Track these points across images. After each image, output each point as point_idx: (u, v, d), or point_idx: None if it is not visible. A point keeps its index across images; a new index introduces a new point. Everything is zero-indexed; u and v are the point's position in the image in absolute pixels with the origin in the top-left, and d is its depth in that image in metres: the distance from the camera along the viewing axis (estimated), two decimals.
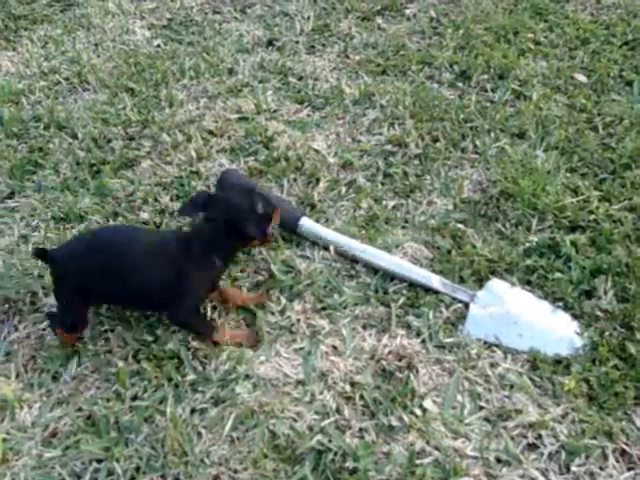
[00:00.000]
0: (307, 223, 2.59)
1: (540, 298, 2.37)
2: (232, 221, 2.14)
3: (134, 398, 2.14)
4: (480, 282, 2.42)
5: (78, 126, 3.22)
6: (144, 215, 2.74)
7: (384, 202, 2.77)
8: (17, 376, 2.25)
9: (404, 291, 2.41)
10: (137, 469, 1.97)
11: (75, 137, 3.18)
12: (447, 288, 2.40)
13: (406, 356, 2.19)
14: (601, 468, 1.93)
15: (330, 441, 1.99)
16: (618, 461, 1.95)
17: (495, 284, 2.41)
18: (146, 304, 2.32)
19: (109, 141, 3.15)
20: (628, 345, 2.16)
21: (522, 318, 2.32)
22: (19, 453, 2.04)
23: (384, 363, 2.19)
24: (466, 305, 2.35)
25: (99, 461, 2.01)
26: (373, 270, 2.49)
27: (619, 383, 2.08)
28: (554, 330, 2.28)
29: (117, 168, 2.98)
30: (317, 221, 2.66)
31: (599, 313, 2.29)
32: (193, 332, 2.30)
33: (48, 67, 3.71)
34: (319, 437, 2.00)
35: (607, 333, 2.22)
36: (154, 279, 2.16)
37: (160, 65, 3.61)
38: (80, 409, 2.14)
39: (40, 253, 2.16)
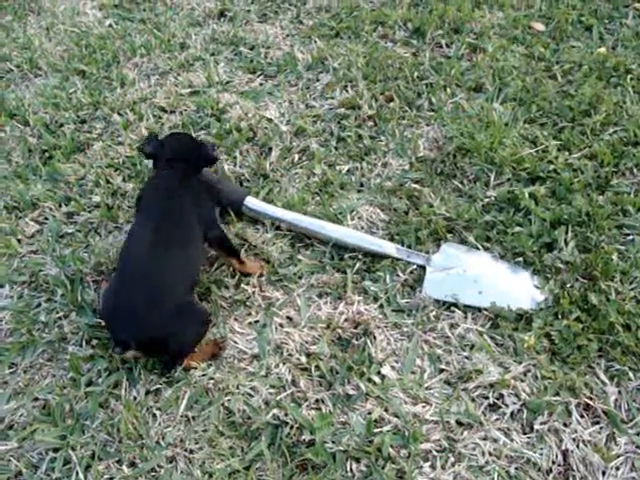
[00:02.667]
0: (252, 202, 2.51)
1: (498, 257, 2.31)
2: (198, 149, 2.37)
3: (89, 384, 2.09)
4: (438, 242, 2.36)
5: (29, 113, 3.15)
6: (96, 198, 2.67)
7: (338, 167, 2.70)
8: None
9: (360, 256, 2.35)
10: (93, 456, 1.93)
11: (27, 124, 3.11)
12: (402, 254, 2.33)
13: (362, 322, 2.14)
14: (565, 424, 1.88)
15: (286, 414, 1.94)
16: (582, 416, 1.90)
17: (450, 247, 2.35)
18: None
19: (61, 126, 3.08)
20: (590, 296, 2.10)
21: (481, 276, 2.26)
22: None
23: (340, 331, 2.13)
24: (423, 268, 2.29)
25: (56, 450, 1.96)
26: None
27: (582, 336, 2.02)
28: (515, 286, 2.22)
29: (69, 152, 2.91)
30: (270, 191, 2.60)
31: (560, 265, 2.23)
32: (229, 250, 2.34)
33: None
34: (275, 411, 1.95)
35: (569, 285, 2.16)
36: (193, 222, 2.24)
37: (111, 45, 3.54)
38: (36, 399, 2.09)
39: None
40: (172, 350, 2.07)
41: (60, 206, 2.69)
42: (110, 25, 3.76)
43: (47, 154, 2.94)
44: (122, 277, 2.11)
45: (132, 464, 1.91)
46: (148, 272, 2.05)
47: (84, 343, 2.20)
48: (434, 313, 2.17)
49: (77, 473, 1.89)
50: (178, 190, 2.25)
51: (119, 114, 3.08)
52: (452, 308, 2.18)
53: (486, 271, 2.27)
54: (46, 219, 2.65)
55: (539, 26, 3.29)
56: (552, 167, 2.53)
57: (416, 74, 3.08)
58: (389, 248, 2.34)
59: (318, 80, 3.16)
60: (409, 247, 2.36)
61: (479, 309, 2.16)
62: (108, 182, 2.74)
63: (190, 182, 2.31)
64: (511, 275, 2.25)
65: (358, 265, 2.32)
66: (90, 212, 2.64)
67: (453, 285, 2.24)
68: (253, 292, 2.28)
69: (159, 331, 1.99)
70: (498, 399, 1.94)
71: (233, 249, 2.34)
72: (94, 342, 2.19)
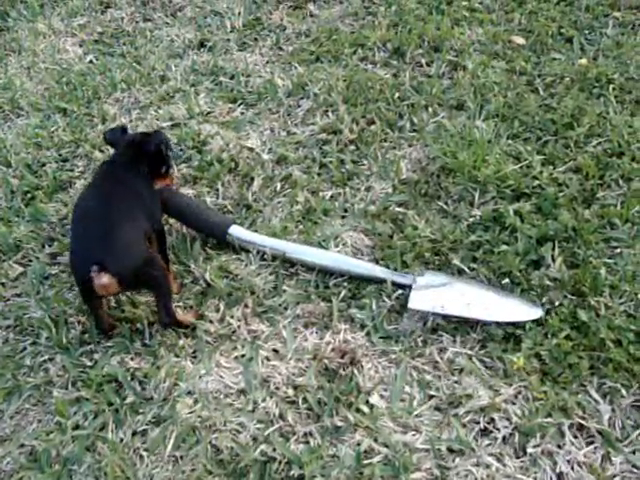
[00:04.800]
0: (236, 231, 2.49)
1: (485, 282, 2.27)
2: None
3: (75, 427, 2.05)
4: (424, 265, 2.33)
5: (11, 154, 3.13)
6: None
7: (321, 193, 2.68)
8: None
9: (345, 284, 2.32)
10: None
11: (9, 165, 3.09)
12: (387, 274, 2.30)
13: (349, 351, 2.10)
14: (559, 446, 1.83)
15: (274, 450, 1.90)
16: (576, 437, 1.85)
17: (435, 274, 2.30)
18: None
19: (43, 165, 3.05)
20: (580, 313, 2.06)
21: (469, 291, 2.22)
22: None
23: (327, 362, 2.09)
24: (409, 288, 2.26)
25: None
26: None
27: (572, 354, 1.98)
28: (504, 302, 2.18)
29: (51, 192, 2.89)
30: (254, 222, 2.58)
31: (548, 282, 2.19)
32: (163, 249, 2.41)
33: None
34: (263, 447, 1.90)
35: (557, 302, 2.12)
36: None
37: (91, 81, 3.53)
38: (22, 445, 2.05)
39: None
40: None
41: (43, 247, 2.66)
42: (91, 61, 3.75)
43: (29, 195, 2.91)
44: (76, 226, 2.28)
45: None
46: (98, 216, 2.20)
47: (70, 385, 2.16)
48: (422, 338, 2.13)
49: None
50: (130, 174, 2.37)
51: (100, 151, 3.05)
52: (440, 332, 2.14)
53: (473, 288, 2.24)
54: (30, 261, 2.62)
55: (519, 40, 3.28)
56: (537, 182, 2.51)
57: (397, 95, 3.06)
58: (376, 269, 2.32)
59: (299, 106, 3.14)
60: (395, 271, 2.33)
61: (467, 332, 2.12)
62: None
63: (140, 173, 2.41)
64: (499, 295, 2.21)
65: (343, 293, 2.28)
66: None
67: (440, 297, 2.19)
68: (238, 326, 2.24)
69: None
70: (489, 423, 1.90)
71: (166, 252, 2.42)
72: (79, 384, 2.16)
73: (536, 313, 2.12)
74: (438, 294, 2.21)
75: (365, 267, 2.34)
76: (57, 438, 2.03)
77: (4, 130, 3.36)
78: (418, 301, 2.20)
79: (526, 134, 2.76)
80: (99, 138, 3.11)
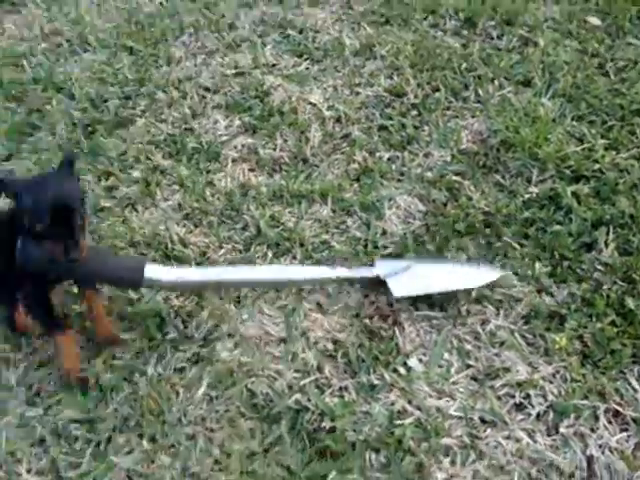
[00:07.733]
0: (154, 270, 2.05)
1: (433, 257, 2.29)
2: None
3: (115, 357, 2.09)
4: (474, 235, 2.31)
5: (76, 87, 3.16)
6: (136, 174, 2.68)
7: (378, 154, 2.67)
8: (6, 339, 2.19)
9: (392, 245, 2.32)
10: (114, 428, 1.91)
11: (72, 98, 3.12)
12: (352, 272, 2.21)
13: (390, 314, 2.11)
14: (592, 429, 1.82)
15: (309, 400, 1.92)
16: (610, 422, 1.84)
17: (387, 261, 2.25)
18: None
19: (105, 101, 3.08)
20: (627, 300, 2.04)
21: (430, 270, 2.21)
22: (3, 412, 1.99)
23: (368, 321, 2.10)
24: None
25: (79, 421, 1.95)
26: (365, 225, 2.40)
27: (616, 340, 1.97)
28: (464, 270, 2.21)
29: (112, 127, 2.92)
30: (309, 176, 2.59)
31: (599, 267, 2.17)
32: None
33: (50, 29, 3.66)
34: (297, 396, 1.93)
35: (606, 287, 2.10)
36: None
37: (159, 23, 3.55)
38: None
39: None
40: None
41: (100, 180, 2.69)
42: (160, 3, 3.76)
43: (90, 128, 2.94)
44: None
45: (152, 439, 1.89)
46: None
47: (115, 317, 2.19)
48: (465, 307, 2.12)
49: (99, 444, 1.88)
50: None
51: (164, 92, 3.08)
52: (485, 303, 2.13)
53: (431, 266, 2.23)
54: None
55: (595, 21, 3.22)
56: (597, 166, 2.47)
57: (464, 65, 3.04)
58: (338, 271, 2.20)
59: (364, 67, 3.12)
60: (446, 239, 2.32)
61: (512, 306, 2.11)
62: (148, 158, 2.74)
63: None
64: (456, 266, 2.24)
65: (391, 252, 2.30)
66: (128, 187, 2.65)
67: (418, 279, 2.15)
68: None
69: None
70: (524, 399, 1.90)
71: None
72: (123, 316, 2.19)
73: (493, 275, 2.13)
74: (413, 277, 2.16)
75: (322, 272, 2.22)
76: (97, 365, 2.06)
77: (70, 64, 3.39)
78: (400, 288, 2.13)
79: (592, 117, 2.72)
80: (163, 79, 3.14)
